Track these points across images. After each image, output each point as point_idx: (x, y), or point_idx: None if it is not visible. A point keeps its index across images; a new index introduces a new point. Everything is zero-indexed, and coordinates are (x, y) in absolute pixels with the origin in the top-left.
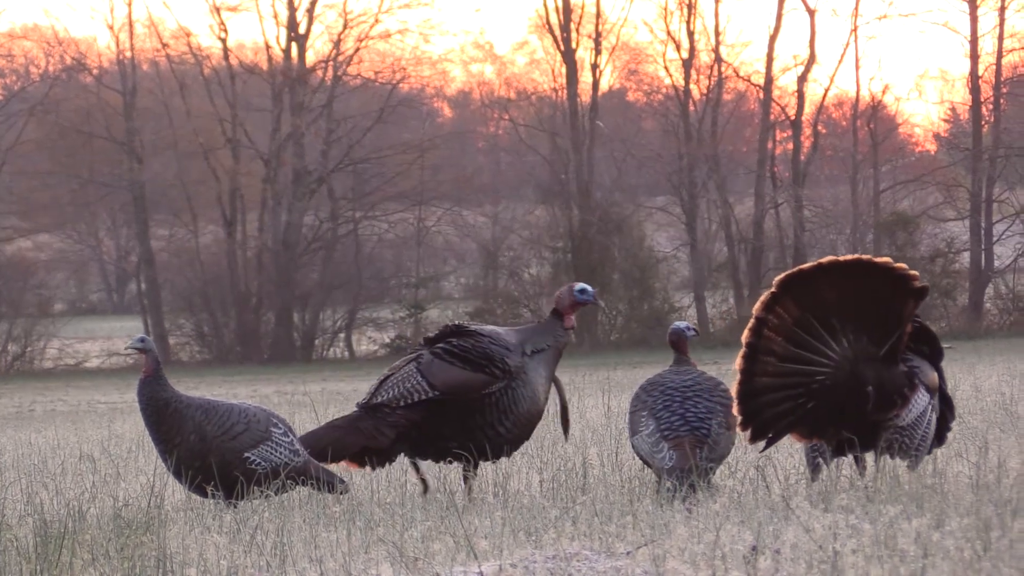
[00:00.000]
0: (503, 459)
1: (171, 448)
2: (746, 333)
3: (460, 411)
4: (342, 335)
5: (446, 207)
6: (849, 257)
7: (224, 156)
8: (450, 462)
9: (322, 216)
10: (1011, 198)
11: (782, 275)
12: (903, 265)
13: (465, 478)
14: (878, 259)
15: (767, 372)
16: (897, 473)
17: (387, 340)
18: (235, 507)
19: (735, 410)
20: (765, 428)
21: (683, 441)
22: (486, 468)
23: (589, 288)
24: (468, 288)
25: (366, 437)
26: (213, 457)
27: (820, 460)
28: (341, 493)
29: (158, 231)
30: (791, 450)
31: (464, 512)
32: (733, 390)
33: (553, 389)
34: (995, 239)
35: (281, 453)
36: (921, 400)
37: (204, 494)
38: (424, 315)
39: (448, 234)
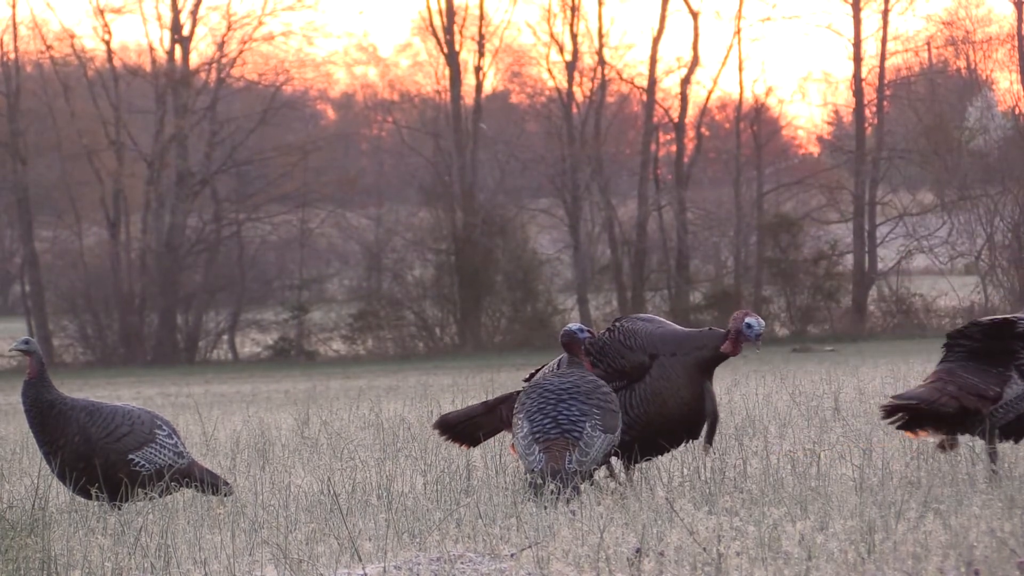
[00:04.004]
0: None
1: (55, 450)
2: None
3: None
4: (225, 337)
5: (329, 209)
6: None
7: (108, 158)
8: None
9: (205, 218)
10: (894, 200)
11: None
12: None
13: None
14: None
15: None
16: (781, 476)
17: (270, 342)
18: (119, 509)
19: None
20: None
21: (553, 444)
22: (370, 471)
23: (754, 325)
24: (351, 290)
25: (500, 420)
26: (98, 459)
27: None
28: (225, 495)
29: (42, 233)
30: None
31: (348, 514)
32: None
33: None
34: (878, 241)
35: (165, 455)
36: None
37: (88, 496)
38: (307, 317)
39: (331, 236)
